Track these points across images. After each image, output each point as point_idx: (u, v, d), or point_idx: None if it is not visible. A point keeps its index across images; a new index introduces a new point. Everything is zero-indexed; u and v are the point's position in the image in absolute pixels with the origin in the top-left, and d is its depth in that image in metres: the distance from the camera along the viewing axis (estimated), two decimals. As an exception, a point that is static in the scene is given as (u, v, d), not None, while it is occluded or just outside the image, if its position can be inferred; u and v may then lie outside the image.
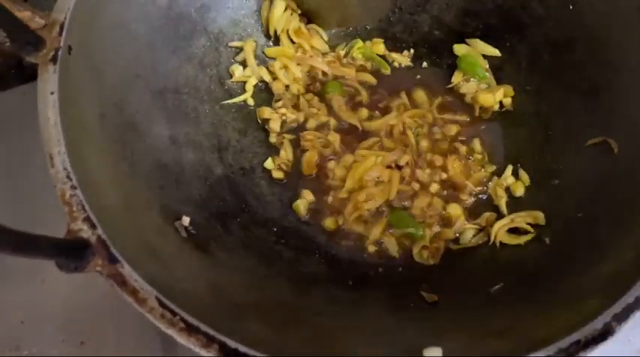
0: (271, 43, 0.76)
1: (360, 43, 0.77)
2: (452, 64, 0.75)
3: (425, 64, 0.77)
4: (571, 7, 0.65)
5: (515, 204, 0.65)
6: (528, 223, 0.60)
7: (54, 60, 0.48)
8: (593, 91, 0.62)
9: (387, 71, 0.76)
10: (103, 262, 0.42)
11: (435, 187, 0.67)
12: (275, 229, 0.64)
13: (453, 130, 0.71)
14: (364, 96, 0.74)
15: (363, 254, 0.64)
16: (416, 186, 0.68)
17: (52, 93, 0.47)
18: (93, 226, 0.42)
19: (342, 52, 0.77)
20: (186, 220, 0.55)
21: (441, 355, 0.44)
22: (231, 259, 0.56)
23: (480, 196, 0.68)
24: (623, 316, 0.41)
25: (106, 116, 0.53)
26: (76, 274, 0.42)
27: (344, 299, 0.56)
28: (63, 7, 0.51)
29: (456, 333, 0.48)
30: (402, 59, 0.77)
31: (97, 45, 0.54)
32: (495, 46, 0.73)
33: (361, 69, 0.76)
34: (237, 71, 0.72)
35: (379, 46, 0.77)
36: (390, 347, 0.47)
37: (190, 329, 0.40)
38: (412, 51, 0.77)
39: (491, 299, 0.52)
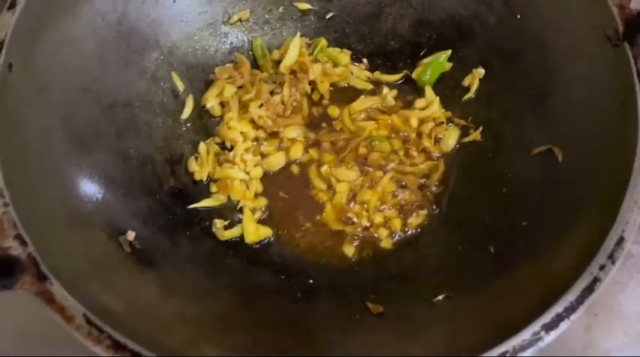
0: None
1: (324, 41, 0.78)
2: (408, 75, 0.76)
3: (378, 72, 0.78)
4: (519, 17, 0.65)
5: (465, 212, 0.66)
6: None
7: (-8, 77, 0.49)
8: (541, 98, 0.62)
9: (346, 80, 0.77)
10: (32, 279, 0.41)
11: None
12: (224, 241, 0.64)
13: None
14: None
15: (312, 262, 0.65)
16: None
17: (-12, 110, 0.47)
18: (24, 244, 0.42)
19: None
20: (131, 235, 0.55)
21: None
22: (177, 273, 0.56)
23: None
24: (552, 325, 0.42)
25: (50, 131, 0.53)
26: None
27: (291, 311, 0.56)
28: (3, 25, 0.51)
29: (399, 344, 0.49)
30: (361, 72, 0.78)
31: (42, 61, 0.54)
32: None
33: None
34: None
35: (345, 57, 0.78)
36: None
37: (118, 347, 0.40)
38: (366, 61, 0.78)
39: (434, 308, 0.52)
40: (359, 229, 0.67)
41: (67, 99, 0.57)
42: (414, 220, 0.68)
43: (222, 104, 0.74)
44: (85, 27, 0.60)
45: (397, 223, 0.67)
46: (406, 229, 0.67)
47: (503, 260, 0.54)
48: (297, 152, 0.72)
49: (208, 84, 0.75)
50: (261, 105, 0.73)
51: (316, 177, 0.70)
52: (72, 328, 0.40)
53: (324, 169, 0.70)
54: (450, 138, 0.71)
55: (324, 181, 0.70)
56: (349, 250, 0.66)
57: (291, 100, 0.74)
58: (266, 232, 0.67)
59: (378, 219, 0.67)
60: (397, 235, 0.67)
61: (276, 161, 0.71)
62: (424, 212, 0.68)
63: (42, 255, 0.42)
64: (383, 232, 0.66)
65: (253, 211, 0.68)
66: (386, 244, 0.66)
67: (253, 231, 0.66)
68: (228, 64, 0.76)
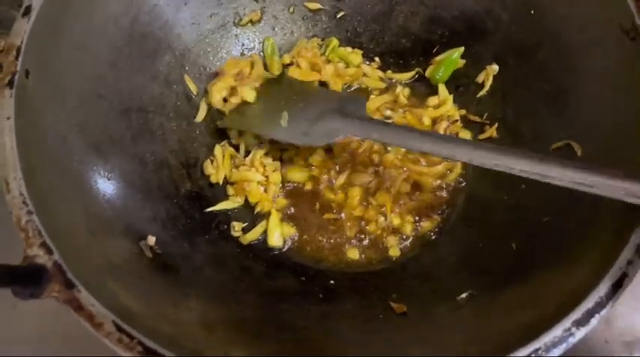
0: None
1: (335, 41, 0.78)
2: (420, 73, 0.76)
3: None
4: (532, 12, 0.65)
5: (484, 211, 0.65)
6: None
7: (10, 84, 0.48)
8: (557, 94, 0.62)
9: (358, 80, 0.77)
10: (60, 287, 0.41)
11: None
12: (245, 244, 0.64)
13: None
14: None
15: (332, 264, 0.65)
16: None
17: (8, 118, 0.47)
18: (49, 252, 0.42)
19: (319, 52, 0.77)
20: (151, 240, 0.55)
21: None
22: (198, 277, 0.56)
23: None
24: (583, 321, 0.41)
25: (67, 138, 0.53)
26: (48, 299, 0.41)
27: (313, 313, 0.56)
28: (19, 30, 0.51)
29: (422, 345, 0.48)
30: (374, 72, 0.78)
31: (57, 67, 0.54)
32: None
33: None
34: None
35: (357, 57, 0.78)
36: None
37: (148, 352, 0.40)
38: (378, 60, 0.78)
39: (458, 307, 0.52)
40: (374, 233, 0.67)
41: (82, 105, 0.56)
42: (430, 222, 0.68)
43: (225, 99, 0.72)
44: (98, 32, 0.59)
45: (408, 229, 0.67)
46: (423, 230, 0.67)
47: (527, 257, 0.54)
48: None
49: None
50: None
51: (327, 189, 0.70)
52: (102, 335, 0.40)
53: (336, 183, 0.70)
54: (465, 136, 0.72)
55: (335, 193, 0.70)
56: (354, 254, 0.66)
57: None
58: (290, 230, 0.67)
59: (396, 220, 0.67)
60: (408, 240, 0.67)
61: (298, 176, 0.71)
62: (440, 212, 0.68)
63: (67, 262, 0.42)
64: (392, 241, 0.67)
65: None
66: (394, 252, 0.66)
67: (278, 235, 0.66)
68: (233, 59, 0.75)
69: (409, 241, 0.67)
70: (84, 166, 0.54)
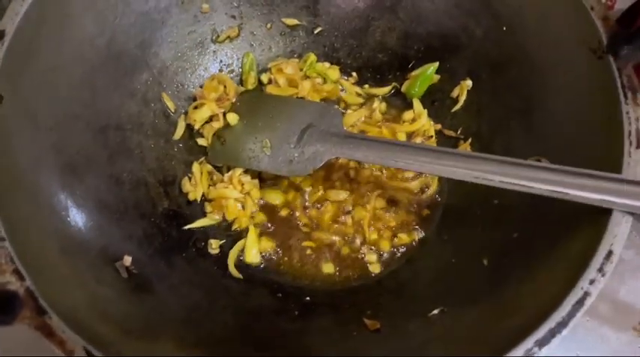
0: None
1: (313, 56, 0.78)
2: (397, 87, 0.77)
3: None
4: (505, 29, 0.66)
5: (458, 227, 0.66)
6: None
7: (-16, 112, 0.49)
8: (528, 110, 0.63)
9: (335, 96, 0.78)
10: (31, 313, 0.42)
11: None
12: (223, 261, 0.64)
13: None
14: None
15: (308, 281, 0.65)
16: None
17: (-20, 144, 0.47)
18: (21, 278, 0.43)
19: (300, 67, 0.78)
20: (127, 260, 0.55)
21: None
22: (175, 296, 0.56)
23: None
24: (545, 341, 0.42)
25: (41, 160, 0.53)
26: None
27: (289, 331, 0.56)
28: (-7, 58, 0.51)
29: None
30: (351, 88, 0.78)
31: (31, 90, 0.54)
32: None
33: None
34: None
35: (334, 72, 0.79)
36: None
37: (119, 378, 0.40)
38: (355, 75, 0.79)
39: (429, 324, 0.53)
40: (351, 250, 0.68)
41: (57, 126, 0.56)
42: (407, 237, 0.69)
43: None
44: (73, 53, 0.59)
45: (386, 245, 0.68)
46: (399, 247, 0.68)
47: (497, 273, 0.55)
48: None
49: (198, 102, 0.75)
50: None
51: (301, 210, 0.71)
52: (72, 361, 0.41)
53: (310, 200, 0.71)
54: None
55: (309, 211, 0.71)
56: (329, 269, 0.67)
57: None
58: (269, 244, 0.68)
59: (373, 236, 0.68)
60: (387, 255, 0.68)
61: (273, 198, 0.71)
62: (416, 228, 0.69)
63: (39, 288, 0.43)
64: (371, 257, 0.68)
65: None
66: (374, 268, 0.67)
67: (256, 251, 0.66)
68: (209, 80, 0.76)
69: (386, 256, 0.68)
70: (58, 188, 0.54)
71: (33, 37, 0.54)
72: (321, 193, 0.71)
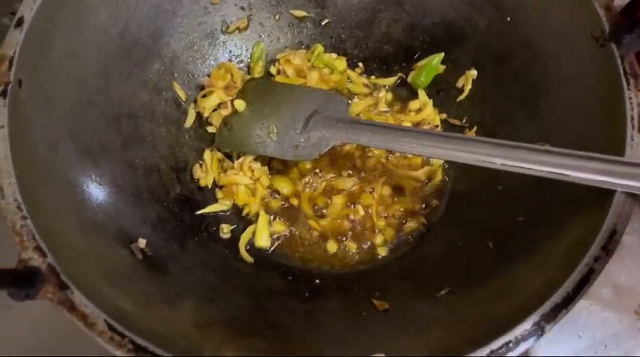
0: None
1: (320, 47, 0.80)
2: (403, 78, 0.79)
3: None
4: (508, 19, 0.68)
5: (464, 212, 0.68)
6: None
7: (4, 94, 0.50)
8: (532, 98, 0.65)
9: (342, 86, 0.79)
10: (54, 288, 0.43)
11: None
12: (234, 245, 0.66)
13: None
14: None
15: (319, 265, 0.67)
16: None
17: (1, 127, 0.49)
18: (43, 255, 0.44)
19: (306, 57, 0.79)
20: (142, 242, 0.56)
21: (384, 360, 0.46)
22: (189, 277, 0.57)
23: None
24: (551, 316, 0.44)
25: (58, 144, 0.55)
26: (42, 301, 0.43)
27: (299, 311, 0.58)
28: (12, 41, 0.52)
29: (403, 340, 0.51)
30: (358, 78, 0.80)
31: (48, 75, 0.55)
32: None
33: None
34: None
35: (342, 63, 0.80)
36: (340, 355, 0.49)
37: (139, 350, 0.42)
38: (362, 65, 0.81)
39: (437, 304, 0.54)
40: (359, 232, 0.70)
41: (73, 112, 0.58)
42: (414, 223, 0.70)
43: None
44: (88, 41, 0.61)
45: (393, 231, 0.70)
46: (405, 233, 0.70)
47: (503, 255, 0.56)
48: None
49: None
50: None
51: (307, 202, 0.72)
52: (94, 334, 0.42)
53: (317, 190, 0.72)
54: None
55: (314, 204, 0.72)
56: (332, 247, 0.69)
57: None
58: (281, 227, 0.69)
59: (380, 222, 0.70)
60: (393, 240, 0.70)
61: (282, 186, 0.72)
62: (423, 215, 0.70)
63: (61, 264, 0.44)
64: (378, 240, 0.69)
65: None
66: (381, 251, 0.69)
67: (266, 236, 0.68)
68: (217, 69, 0.77)
69: (394, 242, 0.70)
70: (75, 172, 0.56)
71: (50, 24, 0.55)
72: (328, 182, 0.72)
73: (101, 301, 0.44)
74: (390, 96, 0.79)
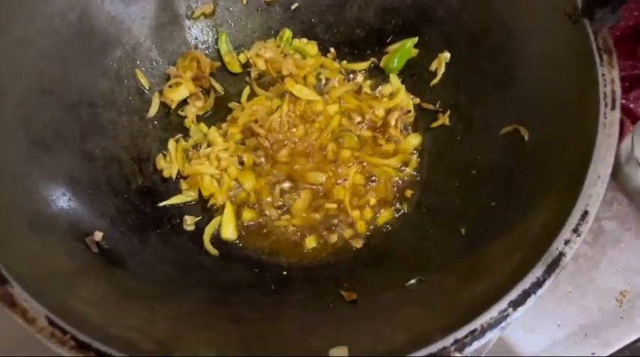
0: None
1: (288, 32, 0.77)
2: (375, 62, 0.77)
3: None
4: (482, -1, 0.65)
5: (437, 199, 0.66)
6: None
7: (-53, 83, 0.48)
8: (506, 79, 0.62)
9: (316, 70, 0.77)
10: (-7, 283, 0.41)
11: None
12: (198, 238, 0.64)
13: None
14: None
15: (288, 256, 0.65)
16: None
17: (-59, 115, 0.46)
18: (-17, 248, 0.42)
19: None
20: (98, 235, 0.54)
21: (347, 354, 0.44)
22: (147, 272, 0.55)
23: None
24: (519, 302, 0.42)
25: (8, 134, 0.52)
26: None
27: (264, 304, 0.56)
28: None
29: (370, 329, 0.49)
30: (331, 64, 0.77)
31: (-3, 62, 0.53)
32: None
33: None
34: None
35: (313, 48, 0.78)
36: (304, 349, 0.47)
37: (82, 347, 0.39)
38: (334, 51, 0.78)
39: (407, 293, 0.52)
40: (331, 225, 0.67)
41: (25, 101, 0.55)
42: (387, 213, 0.68)
43: (186, 100, 0.73)
44: (42, 27, 0.58)
45: (366, 222, 0.67)
46: (379, 223, 0.67)
47: (474, 241, 0.54)
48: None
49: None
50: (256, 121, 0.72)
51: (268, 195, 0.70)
52: (35, 330, 0.40)
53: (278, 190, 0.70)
54: (414, 140, 0.72)
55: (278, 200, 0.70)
56: (312, 243, 0.66)
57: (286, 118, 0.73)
58: (251, 215, 0.67)
59: (354, 213, 0.67)
60: (368, 231, 0.67)
61: (246, 180, 0.70)
62: (396, 203, 0.68)
63: (3, 259, 0.42)
64: (352, 231, 0.67)
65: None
66: (356, 243, 0.66)
67: (232, 228, 0.66)
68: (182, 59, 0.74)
69: (367, 232, 0.67)
70: (26, 162, 0.53)
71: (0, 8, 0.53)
72: (297, 176, 0.70)
73: (46, 297, 0.42)
74: (369, 82, 0.76)
